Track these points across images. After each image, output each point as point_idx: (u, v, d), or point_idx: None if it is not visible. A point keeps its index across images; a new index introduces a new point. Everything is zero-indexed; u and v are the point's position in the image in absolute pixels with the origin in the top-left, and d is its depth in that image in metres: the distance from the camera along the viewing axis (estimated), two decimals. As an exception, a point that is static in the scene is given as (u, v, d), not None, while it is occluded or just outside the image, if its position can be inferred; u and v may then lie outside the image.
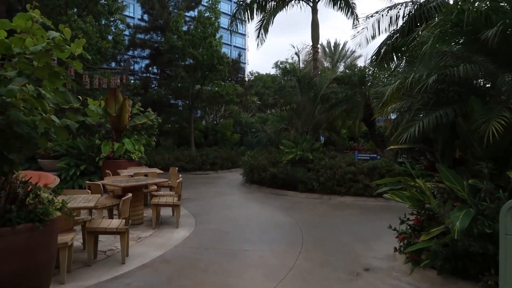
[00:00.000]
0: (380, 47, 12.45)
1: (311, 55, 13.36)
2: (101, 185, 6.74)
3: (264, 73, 44.47)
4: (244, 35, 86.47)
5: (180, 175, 7.87)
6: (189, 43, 18.67)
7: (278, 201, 9.98)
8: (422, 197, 4.74)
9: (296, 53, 12.75)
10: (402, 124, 5.30)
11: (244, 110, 28.67)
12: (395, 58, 12.21)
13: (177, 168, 9.77)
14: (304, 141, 11.25)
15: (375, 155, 10.75)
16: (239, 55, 30.12)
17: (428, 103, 4.54)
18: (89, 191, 5.96)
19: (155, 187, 8.73)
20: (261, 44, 17.08)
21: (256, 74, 47.01)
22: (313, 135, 11.90)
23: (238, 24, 16.78)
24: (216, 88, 20.81)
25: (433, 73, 4.12)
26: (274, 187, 11.61)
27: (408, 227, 5.07)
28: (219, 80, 20.21)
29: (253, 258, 5.33)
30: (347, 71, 12.26)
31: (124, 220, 5.15)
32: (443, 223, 4.19)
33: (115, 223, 5.22)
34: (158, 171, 9.27)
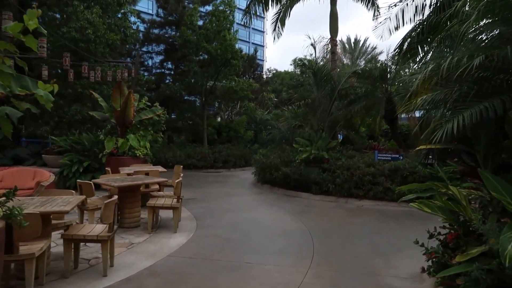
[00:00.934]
0: (404, 39, 11.47)
1: (329, 49, 12.50)
2: (92, 184, 6.15)
3: (282, 70, 43.60)
4: (263, 32, 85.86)
5: (182, 174, 7.23)
6: (203, 37, 18.06)
7: (289, 204, 9.23)
8: (457, 208, 3.91)
9: (312, 44, 12.10)
10: (434, 119, 4.46)
11: (261, 107, 27.93)
12: (420, 51, 11.29)
13: (181, 166, 9.14)
14: (320, 139, 10.44)
15: (397, 156, 9.85)
16: (255, 51, 29.32)
17: (468, 94, 3.71)
18: (73, 191, 5.34)
19: (156, 186, 8.13)
20: (278, 37, 16.29)
21: (274, 71, 46.22)
22: (329, 133, 11.07)
23: (253, 18, 15.98)
24: (230, 84, 20.16)
25: (476, 55, 3.31)
26: (286, 188, 10.86)
27: (439, 243, 4.24)
28: (233, 76, 19.53)
29: (255, 273, 4.61)
30: (368, 65, 11.37)
31: (108, 226, 4.52)
32: (486, 242, 3.37)
33: (98, 229, 4.59)
34: (161, 169, 8.65)
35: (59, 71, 12.61)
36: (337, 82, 10.82)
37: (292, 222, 7.29)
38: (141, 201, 6.94)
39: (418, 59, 10.21)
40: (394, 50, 11.64)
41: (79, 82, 12.45)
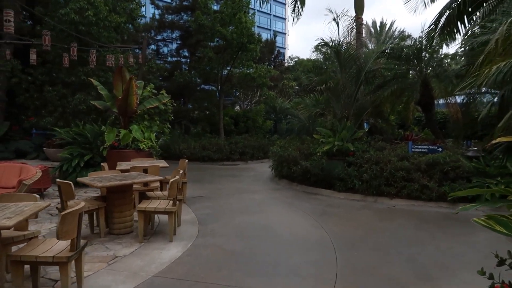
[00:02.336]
0: (440, 13, 10.02)
1: (354, 27, 11.10)
2: (72, 184, 5.18)
3: (305, 58, 41.97)
4: (284, 19, 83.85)
5: (181, 171, 6.18)
6: (218, 21, 16.91)
7: (309, 203, 8.07)
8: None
9: (334, 19, 10.81)
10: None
11: (282, 96, 26.63)
12: (460, 26, 9.79)
13: (186, 160, 8.11)
14: (344, 128, 9.17)
15: (435, 147, 8.48)
16: (275, 35, 27.90)
17: None
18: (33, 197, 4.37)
19: (157, 184, 7.15)
20: (297, 19, 14.85)
21: (296, 59, 44.64)
22: (355, 121, 9.76)
23: (274, 3, 14.61)
24: (248, 70, 18.98)
25: None
26: (306, 184, 9.68)
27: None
28: (250, 61, 18.32)
29: (259, 305, 3.52)
30: (400, 42, 9.93)
31: (70, 244, 3.53)
32: None
33: (59, 247, 3.60)
34: (163, 164, 7.64)
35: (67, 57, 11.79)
36: (363, 63, 9.47)
37: (311, 228, 6.13)
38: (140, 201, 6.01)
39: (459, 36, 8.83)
40: (429, 27, 10.21)
41: (82, 69, 11.60)
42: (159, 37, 23.52)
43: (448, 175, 7.61)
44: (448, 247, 5.18)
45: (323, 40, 9.75)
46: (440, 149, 8.34)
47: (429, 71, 9.92)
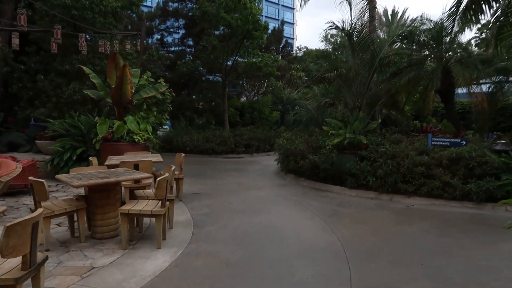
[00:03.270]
0: (463, -6, 9.19)
1: (366, 11, 10.21)
2: (45, 183, 4.52)
3: (314, 48, 40.91)
4: (292, 8, 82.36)
5: (173, 167, 5.48)
6: (222, 7, 16.08)
7: (318, 201, 7.33)
8: None
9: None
10: None
11: (290, 87, 25.74)
12: (484, 7, 8.90)
13: (183, 154, 7.43)
14: (356, 119, 8.38)
15: (458, 140, 7.65)
16: (282, 23, 26.92)
17: None
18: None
19: (149, 181, 6.49)
20: (305, 3, 14.02)
21: (305, 49, 43.59)
22: (368, 112, 8.96)
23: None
24: (254, 59, 18.16)
25: None
26: (314, 179, 8.95)
27: None
28: (256, 50, 17.49)
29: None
30: (419, 26, 9.05)
31: (21, 262, 2.85)
32: None
33: (10, 264, 2.93)
34: (157, 158, 6.95)
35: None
36: (378, 48, 8.63)
37: (319, 232, 5.40)
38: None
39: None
40: (450, 9, 9.31)
41: (77, 57, 10.93)
42: (163, 27, 22.78)
43: (474, 172, 6.79)
44: (481, 258, 4.42)
45: (334, 23, 8.91)
46: (464, 142, 7.51)
47: (450, 56, 9.05)
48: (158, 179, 4.60)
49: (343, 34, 8.82)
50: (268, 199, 7.55)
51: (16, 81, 11.36)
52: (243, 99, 25.92)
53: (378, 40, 8.84)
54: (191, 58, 20.85)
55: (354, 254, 4.52)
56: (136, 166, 6.39)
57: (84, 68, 9.01)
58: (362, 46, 8.56)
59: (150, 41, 23.32)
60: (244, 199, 7.48)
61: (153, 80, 9.80)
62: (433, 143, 7.75)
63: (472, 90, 9.52)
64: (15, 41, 7.35)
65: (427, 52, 9.65)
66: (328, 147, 8.43)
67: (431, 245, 4.89)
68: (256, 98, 23.93)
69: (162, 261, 4.26)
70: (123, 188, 6.37)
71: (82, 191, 5.52)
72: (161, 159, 7.02)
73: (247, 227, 5.61)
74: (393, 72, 9.39)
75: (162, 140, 16.80)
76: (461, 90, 10.53)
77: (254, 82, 23.56)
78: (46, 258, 3.20)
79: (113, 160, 6.84)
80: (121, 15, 12.09)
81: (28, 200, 7.23)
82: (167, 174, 4.86)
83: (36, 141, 10.25)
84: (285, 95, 21.45)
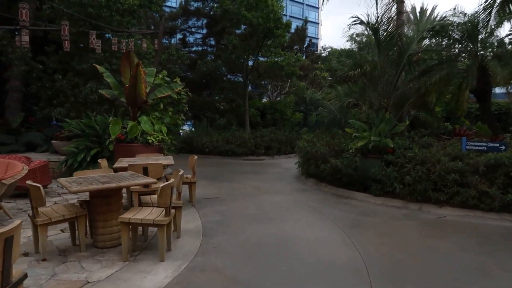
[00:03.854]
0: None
1: (393, 3, 9.53)
2: (41, 188, 4.23)
3: (338, 48, 39.99)
4: (317, 8, 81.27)
5: (181, 172, 5.09)
6: (243, 5, 15.71)
7: (339, 210, 6.79)
8: None
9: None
10: None
11: (313, 87, 25.12)
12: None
13: (196, 157, 7.04)
14: (382, 121, 7.77)
15: (497, 145, 6.92)
16: (305, 22, 26.28)
17: None
18: None
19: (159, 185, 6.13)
20: (328, -1, 13.43)
21: (329, 49, 42.75)
22: (395, 113, 8.32)
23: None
24: (275, 59, 17.67)
25: None
26: (336, 184, 8.39)
27: None
28: (277, 48, 17.01)
29: None
30: (451, 19, 8.31)
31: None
32: None
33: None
34: (168, 161, 6.61)
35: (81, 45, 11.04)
36: (406, 45, 7.97)
37: (340, 246, 4.88)
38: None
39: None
40: (486, 1, 8.57)
41: (94, 55, 10.78)
42: (185, 26, 22.66)
43: (515, 180, 6.08)
44: (530, 283, 3.79)
45: (358, 17, 8.32)
46: (503, 147, 6.77)
47: (487, 53, 8.29)
48: (161, 185, 4.21)
49: (368, 30, 8.22)
50: (285, 206, 7.06)
51: (35, 81, 11.35)
52: (265, 99, 25.49)
53: (407, 36, 8.17)
54: (213, 58, 20.62)
55: (378, 273, 3.98)
56: (145, 169, 6.07)
57: (98, 66, 8.81)
58: (388, 42, 7.93)
59: (173, 41, 23.27)
60: (259, 205, 7.03)
61: (169, 79, 9.49)
62: (467, 147, 7.04)
63: (510, 90, 8.71)
64: (25, 38, 7.18)
65: (460, 49, 8.89)
66: (351, 151, 7.86)
67: (468, 264, 4.28)
68: (278, 98, 23.43)
69: (163, 277, 3.87)
70: (132, 193, 6.08)
71: (86, 196, 5.22)
72: (172, 162, 6.67)
73: (260, 237, 5.15)
74: (423, 70, 8.69)
75: (181, 141, 16.62)
76: (498, 90, 9.71)
77: (276, 82, 23.08)
78: (25, 277, 2.84)
79: (122, 162, 6.55)
80: (139, 14, 11.86)
81: (38, 202, 7.02)
82: (172, 180, 4.47)
83: (52, 141, 10.16)
84: (308, 95, 20.85)
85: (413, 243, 5.03)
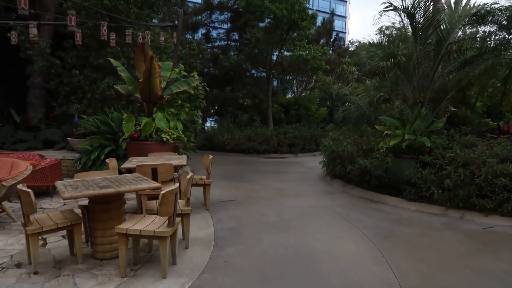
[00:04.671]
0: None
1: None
2: (30, 194, 3.78)
3: (367, 42, 38.66)
4: (345, 1, 79.31)
5: (190, 175, 4.53)
6: (268, -4, 15.04)
7: (369, 216, 6.07)
8: None
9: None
10: None
11: (340, 82, 24.14)
12: None
13: (211, 157, 6.49)
14: (417, 117, 6.95)
15: (554, 145, 5.99)
16: (332, 14, 25.27)
17: None
18: None
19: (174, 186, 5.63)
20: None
21: (357, 43, 41.48)
22: (432, 108, 7.47)
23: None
24: (300, 52, 16.91)
25: None
26: (365, 187, 7.66)
27: None
28: (302, 41, 16.24)
29: None
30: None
31: None
32: None
33: None
34: (180, 161, 6.09)
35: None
36: (446, 32, 7.10)
37: (369, 263, 4.19)
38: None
39: None
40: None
41: (111, 50, 10.44)
42: (208, 21, 22.23)
43: None
44: None
45: (391, 3, 7.50)
46: (562, 148, 5.85)
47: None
48: (162, 193, 3.66)
49: (402, 17, 7.41)
50: (308, 211, 6.40)
51: (54, 77, 11.15)
52: (290, 95, 24.75)
53: (446, 22, 7.28)
54: (236, 53, 20.08)
55: (419, 303, 3.29)
56: (154, 171, 5.58)
57: (112, 60, 8.41)
58: (426, 29, 7.08)
59: (196, 36, 22.90)
60: (279, 210, 6.40)
61: (185, 73, 8.99)
62: (519, 147, 6.16)
63: None
64: (33, 30, 6.84)
65: (507, 36, 7.91)
66: (382, 150, 7.10)
67: (530, 293, 3.51)
68: (303, 94, 22.64)
69: (162, 299, 3.33)
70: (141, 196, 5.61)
71: (85, 201, 4.76)
72: (185, 162, 6.15)
73: (277, 250, 4.54)
74: (464, 60, 7.78)
75: (203, 138, 16.21)
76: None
77: (302, 77, 22.30)
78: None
79: (131, 162, 6.08)
80: (158, 6, 11.42)
81: (47, 204, 6.71)
82: (176, 186, 3.91)
83: (68, 138, 9.90)
84: (334, 90, 19.96)
85: (459, 261, 4.27)
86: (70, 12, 7.04)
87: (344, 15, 78.24)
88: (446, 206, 6.21)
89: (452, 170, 6.15)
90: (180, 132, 8.27)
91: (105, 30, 8.02)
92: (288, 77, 22.06)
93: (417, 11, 7.11)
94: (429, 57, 7.32)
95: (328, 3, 75.84)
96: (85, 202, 4.58)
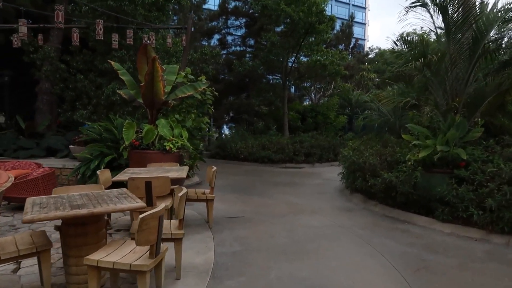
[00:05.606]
0: None
1: None
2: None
3: (386, 48, 37.68)
4: (364, 8, 78.27)
5: (183, 190, 3.81)
6: (283, 0, 14.39)
7: (395, 241, 5.21)
8: None
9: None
10: None
11: (359, 89, 23.18)
12: None
13: (214, 168, 5.77)
14: (451, 126, 6.07)
15: None
16: (351, 18, 24.44)
17: None
18: None
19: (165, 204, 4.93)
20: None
21: (377, 50, 40.54)
22: (468, 116, 6.57)
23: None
24: (318, 57, 16.14)
25: None
26: (389, 204, 6.79)
27: None
28: (319, 45, 15.48)
29: None
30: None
31: None
32: None
33: None
34: (179, 174, 5.39)
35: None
36: (483, 27, 6.22)
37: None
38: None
39: None
40: None
41: (117, 53, 9.94)
42: (223, 27, 21.76)
43: None
44: None
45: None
46: None
47: None
48: (141, 216, 2.95)
49: (433, 12, 6.55)
50: (324, 232, 5.58)
51: (59, 82, 10.73)
52: (307, 102, 23.96)
53: (483, 18, 6.39)
54: (251, 57, 19.48)
55: None
56: (148, 184, 4.90)
57: (113, 63, 7.85)
58: (460, 26, 6.22)
59: (212, 42, 22.47)
60: (291, 231, 5.61)
61: (193, 77, 8.35)
62: None
63: None
64: (22, 29, 6.31)
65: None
66: (409, 163, 6.23)
67: None
68: (321, 101, 21.80)
69: None
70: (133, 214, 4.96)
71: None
72: (184, 175, 5.44)
73: (286, 284, 3.75)
74: (504, 61, 6.85)
75: (215, 146, 15.57)
76: None
77: (319, 83, 21.50)
78: None
79: (125, 174, 5.42)
80: (167, 8, 10.90)
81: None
82: (159, 208, 3.19)
83: (69, 146, 9.39)
84: (354, 96, 19.06)
85: (513, 307, 3.39)
86: (58, 7, 6.48)
87: (363, 22, 77.17)
88: (488, 230, 5.29)
89: (495, 187, 5.24)
90: (185, 140, 7.61)
91: (100, 29, 7.45)
92: (305, 84, 21.31)
93: (450, 5, 6.26)
94: (463, 57, 6.44)
95: (347, 10, 74.91)
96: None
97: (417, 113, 7.19)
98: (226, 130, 24.03)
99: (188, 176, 9.75)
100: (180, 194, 3.79)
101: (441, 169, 5.98)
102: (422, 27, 32.76)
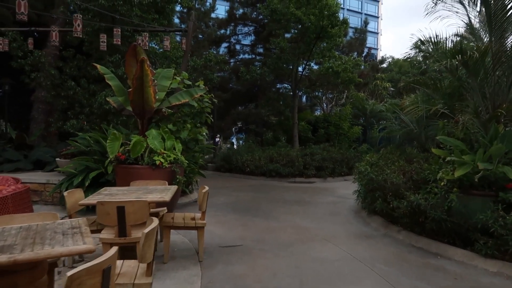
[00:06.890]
0: None
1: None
2: None
3: (401, 57, 36.70)
4: (377, 17, 77.37)
5: (155, 221, 2.85)
6: (293, 2, 13.55)
7: (428, 282, 4.13)
8: None
9: None
10: None
11: (373, 99, 22.09)
12: None
13: (206, 188, 4.79)
14: (495, 138, 5.01)
15: None
16: (365, 23, 23.47)
17: None
18: None
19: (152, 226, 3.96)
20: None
21: (390, 59, 39.56)
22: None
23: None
24: (330, 64, 15.18)
25: None
26: (417, 231, 5.71)
27: None
28: (332, 50, 14.52)
29: None
30: None
31: None
32: None
33: None
34: (160, 197, 4.41)
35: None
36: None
37: None
38: None
39: None
40: None
41: (111, 58, 9.14)
42: (232, 34, 21.05)
43: None
44: None
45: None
46: None
47: None
48: (68, 274, 1.98)
49: (467, 2, 5.53)
50: (340, 270, 4.53)
51: (50, 89, 9.97)
52: (318, 112, 22.97)
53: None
54: (260, 65, 18.64)
55: None
56: (120, 210, 3.96)
57: (99, 67, 6.99)
58: (503, 17, 5.17)
59: (221, 51, 21.79)
60: (299, 267, 4.57)
61: (189, 83, 7.45)
62: None
63: None
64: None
65: None
66: (442, 183, 5.16)
67: None
68: (333, 111, 20.76)
69: None
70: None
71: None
72: (167, 199, 4.44)
73: None
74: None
75: (221, 159, 14.67)
76: None
77: (331, 92, 20.51)
78: None
79: (98, 196, 4.47)
80: (167, 10, 10.11)
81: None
82: (104, 259, 2.22)
83: (56, 159, 8.55)
84: (368, 106, 17.99)
85: None
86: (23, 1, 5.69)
87: (376, 31, 76.19)
88: (547, 271, 4.18)
89: (555, 216, 4.15)
90: (179, 154, 6.66)
91: (78, 25, 6.64)
92: (316, 93, 20.35)
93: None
94: (508, 55, 5.38)
95: (360, 19, 74.06)
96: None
97: (447, 123, 6.13)
98: (234, 141, 23.26)
99: (185, 193, 8.81)
100: (146, 231, 2.83)
101: (483, 191, 4.90)
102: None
